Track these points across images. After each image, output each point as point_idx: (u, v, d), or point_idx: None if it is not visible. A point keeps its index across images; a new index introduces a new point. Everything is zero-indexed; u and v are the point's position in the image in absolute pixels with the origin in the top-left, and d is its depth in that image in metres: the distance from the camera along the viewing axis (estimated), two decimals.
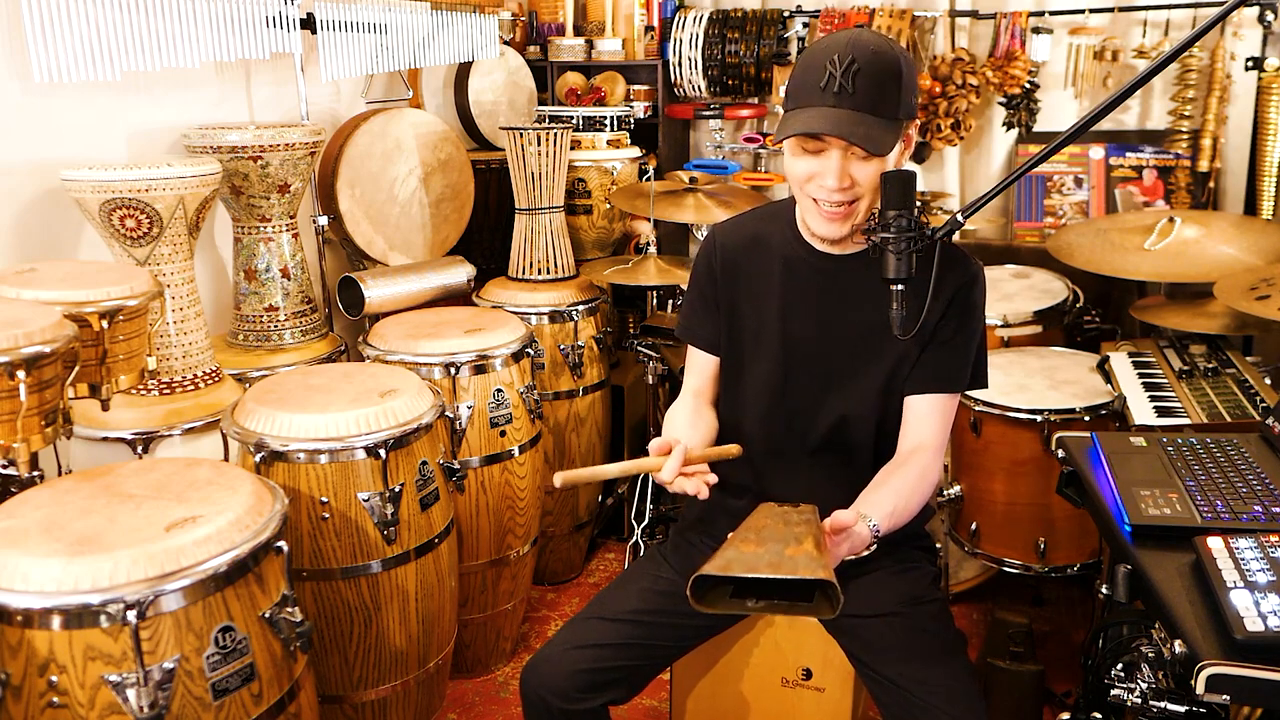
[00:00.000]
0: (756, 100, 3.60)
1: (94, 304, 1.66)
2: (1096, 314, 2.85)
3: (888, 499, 1.47)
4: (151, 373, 1.83)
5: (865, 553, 1.42)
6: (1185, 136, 3.06)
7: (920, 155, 3.38)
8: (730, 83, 3.52)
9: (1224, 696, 1.05)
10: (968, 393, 1.93)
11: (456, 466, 2.15)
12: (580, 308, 2.84)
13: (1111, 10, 3.14)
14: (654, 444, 1.44)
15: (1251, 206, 3.02)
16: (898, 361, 1.57)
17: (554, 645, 1.55)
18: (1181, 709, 1.32)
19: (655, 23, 3.59)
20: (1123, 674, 1.40)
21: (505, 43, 3.45)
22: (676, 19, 3.53)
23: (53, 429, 1.53)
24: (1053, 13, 3.19)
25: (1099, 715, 1.57)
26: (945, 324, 1.55)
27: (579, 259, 3.11)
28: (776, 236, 1.64)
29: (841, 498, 1.46)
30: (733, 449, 1.54)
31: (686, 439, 1.46)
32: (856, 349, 1.59)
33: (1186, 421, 1.92)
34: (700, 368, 1.73)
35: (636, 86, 3.60)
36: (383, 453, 1.87)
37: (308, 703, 1.62)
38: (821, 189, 1.46)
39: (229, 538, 1.43)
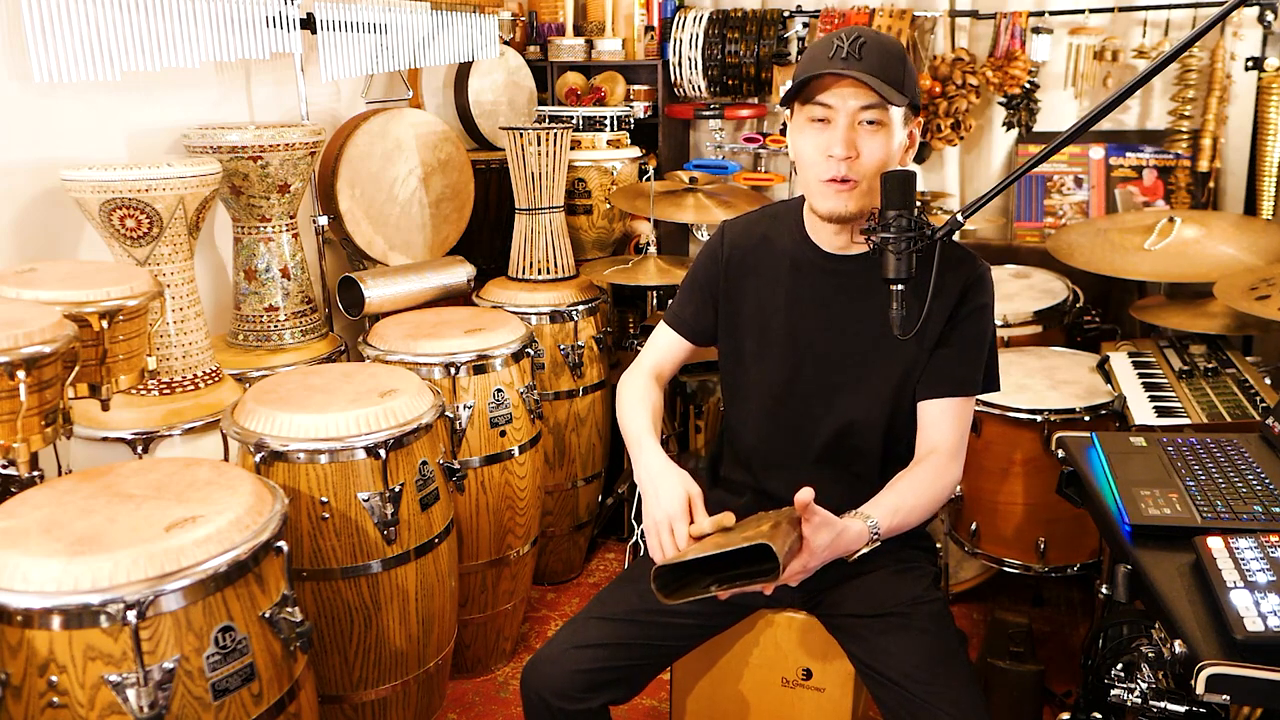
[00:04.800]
0: (756, 100, 3.60)
1: (94, 304, 1.66)
2: (1096, 314, 2.85)
3: (891, 499, 1.47)
4: (151, 373, 1.83)
5: (865, 549, 1.42)
6: (1185, 136, 3.06)
7: (920, 155, 3.38)
8: (730, 83, 3.52)
9: (1224, 696, 1.05)
10: None
11: (456, 466, 2.15)
12: (580, 308, 2.84)
13: (1111, 10, 3.14)
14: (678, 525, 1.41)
15: (1251, 206, 3.01)
16: (907, 366, 1.56)
17: (554, 645, 1.55)
18: (1181, 709, 1.32)
19: (655, 23, 3.59)
20: (1123, 674, 1.40)
21: (505, 43, 3.45)
22: (676, 19, 3.53)
23: (53, 429, 1.53)
24: (1053, 13, 3.19)
25: (1099, 715, 1.57)
26: (953, 326, 1.55)
27: (579, 259, 3.11)
28: (784, 237, 1.64)
29: (846, 502, 1.45)
30: (725, 518, 1.39)
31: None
32: (864, 352, 1.58)
33: (1186, 421, 1.92)
34: (665, 348, 1.73)
35: (636, 86, 3.60)
36: (383, 453, 1.87)
37: (308, 703, 1.62)
38: (830, 163, 1.46)
39: (229, 538, 1.43)
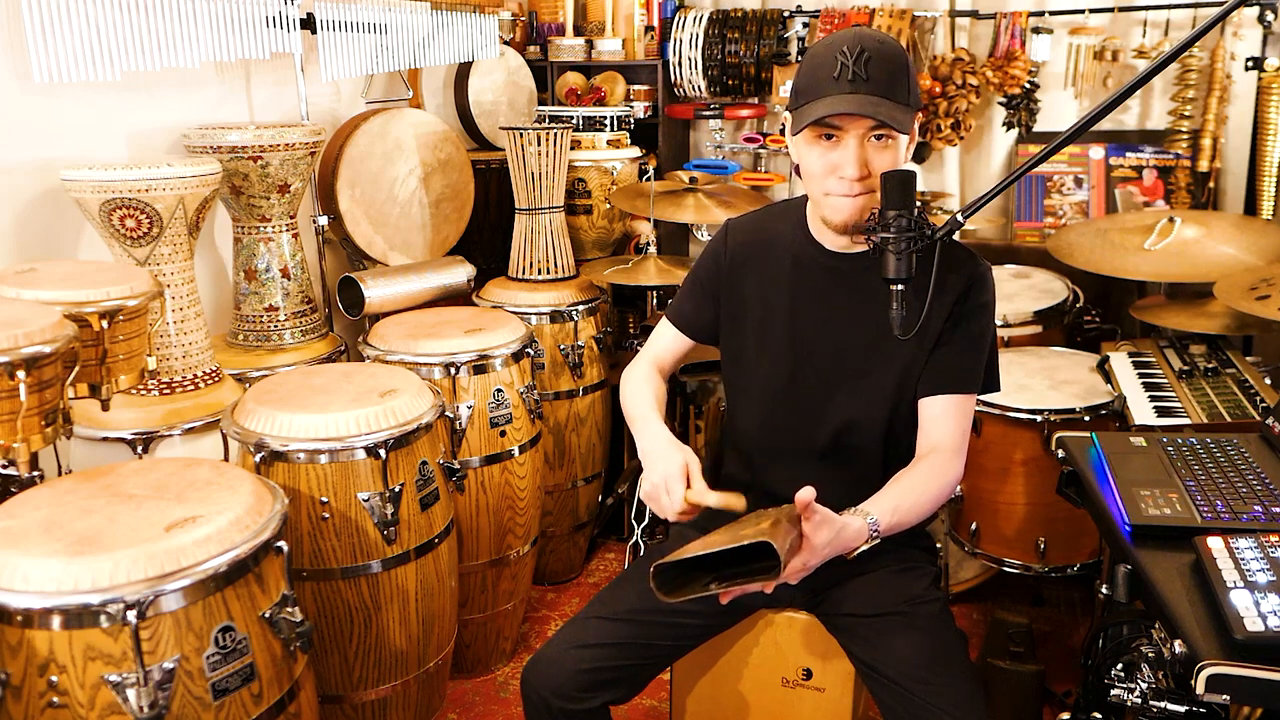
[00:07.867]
0: (756, 100, 3.60)
1: (94, 304, 1.66)
2: (1096, 314, 2.85)
3: (891, 496, 1.47)
4: (151, 373, 1.83)
5: (865, 547, 1.42)
6: (1185, 136, 3.06)
7: (920, 155, 3.38)
8: (730, 83, 3.52)
9: (1224, 696, 1.05)
10: None
11: (456, 466, 2.15)
12: (580, 308, 2.84)
13: (1111, 10, 3.14)
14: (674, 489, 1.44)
15: (1251, 206, 3.02)
16: (908, 364, 1.56)
17: (554, 645, 1.55)
18: (1181, 709, 1.32)
19: (655, 23, 3.59)
20: (1123, 674, 1.40)
21: (505, 43, 3.44)
22: (676, 19, 3.53)
23: (53, 429, 1.53)
24: (1053, 13, 3.19)
25: (1099, 715, 1.57)
26: (954, 324, 1.55)
27: (579, 259, 3.11)
28: (787, 235, 1.64)
29: (847, 500, 1.45)
30: (737, 502, 1.43)
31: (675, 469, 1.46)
32: (866, 350, 1.58)
33: (1186, 421, 1.92)
34: (667, 343, 1.75)
35: (636, 86, 3.60)
36: (383, 453, 1.87)
37: (308, 703, 1.62)
38: (841, 181, 1.46)
39: (229, 538, 1.43)
